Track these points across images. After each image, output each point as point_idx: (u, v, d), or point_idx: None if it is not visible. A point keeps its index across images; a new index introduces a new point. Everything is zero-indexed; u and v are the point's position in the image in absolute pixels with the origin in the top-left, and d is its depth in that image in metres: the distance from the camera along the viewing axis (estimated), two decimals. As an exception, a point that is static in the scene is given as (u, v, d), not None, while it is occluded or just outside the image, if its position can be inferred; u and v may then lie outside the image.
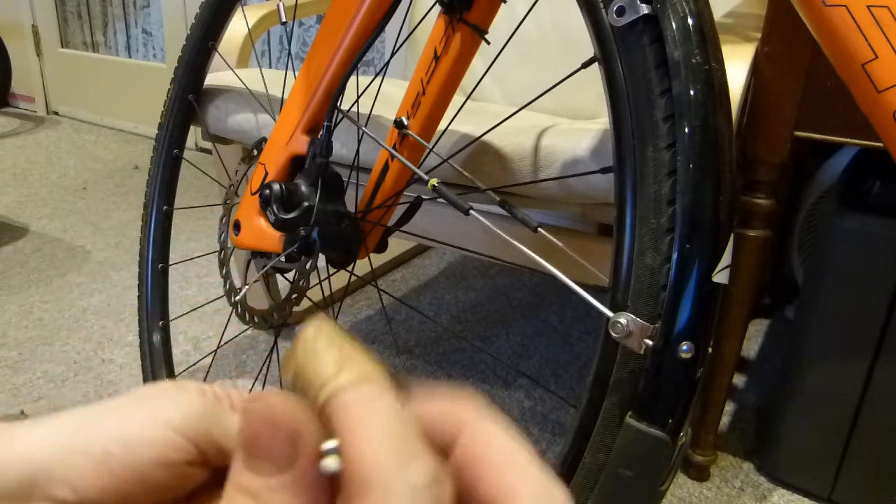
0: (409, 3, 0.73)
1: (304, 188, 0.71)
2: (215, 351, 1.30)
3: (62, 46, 2.89)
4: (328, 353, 0.18)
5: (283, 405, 0.17)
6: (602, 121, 0.83)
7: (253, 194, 0.77)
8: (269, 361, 1.21)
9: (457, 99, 0.74)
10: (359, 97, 0.77)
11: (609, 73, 0.52)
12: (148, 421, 0.18)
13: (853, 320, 0.88)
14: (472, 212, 0.62)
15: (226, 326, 1.36)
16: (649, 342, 0.50)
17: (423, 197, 0.75)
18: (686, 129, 0.49)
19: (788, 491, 1.02)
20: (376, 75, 0.78)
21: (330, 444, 0.17)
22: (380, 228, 0.76)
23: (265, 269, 0.81)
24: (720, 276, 0.49)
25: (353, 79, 0.71)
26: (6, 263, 1.63)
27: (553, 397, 1.21)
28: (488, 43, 0.67)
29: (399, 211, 0.75)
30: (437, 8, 0.66)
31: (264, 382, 1.17)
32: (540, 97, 0.64)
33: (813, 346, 0.93)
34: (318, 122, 0.73)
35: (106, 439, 0.18)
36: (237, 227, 0.80)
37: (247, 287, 0.86)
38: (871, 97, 0.47)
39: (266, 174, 0.76)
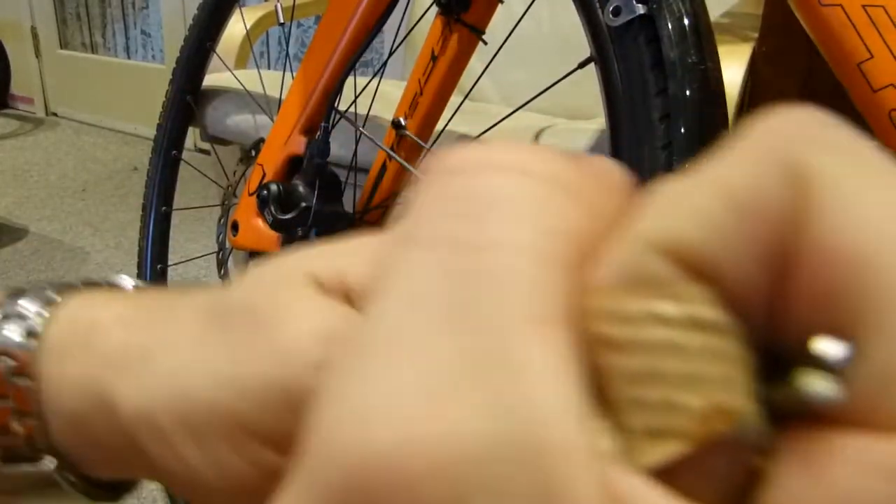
0: (407, 3, 0.73)
1: (301, 189, 0.71)
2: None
3: (61, 48, 2.90)
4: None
5: None
6: (599, 121, 0.83)
7: (251, 195, 0.77)
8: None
9: (454, 99, 0.74)
10: (357, 98, 0.77)
11: (605, 73, 0.52)
12: None
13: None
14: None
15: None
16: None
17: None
18: (682, 130, 0.49)
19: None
20: (374, 76, 0.78)
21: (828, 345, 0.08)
22: (378, 229, 0.76)
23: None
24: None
25: (350, 79, 0.72)
26: (5, 265, 1.63)
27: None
28: (485, 43, 0.67)
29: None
30: (435, 8, 0.67)
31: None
32: (537, 97, 0.64)
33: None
34: (315, 123, 0.73)
35: None
36: (235, 227, 0.80)
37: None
38: (867, 96, 0.47)
39: (264, 175, 0.76)
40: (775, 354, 0.09)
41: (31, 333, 0.18)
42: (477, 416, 0.07)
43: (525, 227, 0.09)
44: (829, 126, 0.09)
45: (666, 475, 0.08)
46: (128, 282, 0.21)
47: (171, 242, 1.06)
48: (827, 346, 0.08)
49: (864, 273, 0.08)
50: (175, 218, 1.06)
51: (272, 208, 0.71)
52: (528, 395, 0.08)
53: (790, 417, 0.08)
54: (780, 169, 0.08)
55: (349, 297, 0.16)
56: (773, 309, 0.09)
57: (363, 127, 0.74)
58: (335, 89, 0.70)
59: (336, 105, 0.71)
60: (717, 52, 0.51)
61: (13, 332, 0.18)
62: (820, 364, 0.08)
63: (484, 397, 0.08)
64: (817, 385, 0.08)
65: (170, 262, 1.06)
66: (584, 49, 0.55)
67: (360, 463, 0.08)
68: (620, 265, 0.09)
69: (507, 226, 0.09)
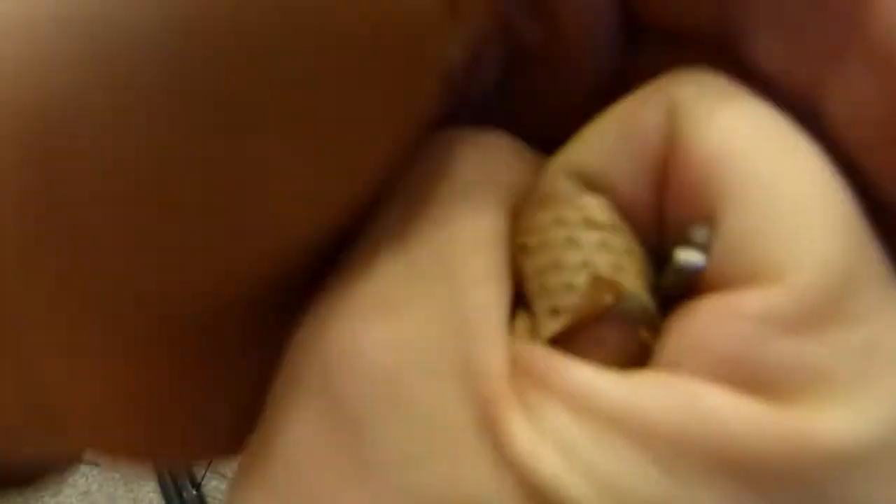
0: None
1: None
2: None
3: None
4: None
5: None
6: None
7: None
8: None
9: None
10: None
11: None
12: None
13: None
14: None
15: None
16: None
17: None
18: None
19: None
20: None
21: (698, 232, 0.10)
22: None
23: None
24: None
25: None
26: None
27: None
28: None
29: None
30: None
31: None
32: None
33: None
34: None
35: None
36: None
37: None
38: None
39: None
40: (664, 251, 0.10)
41: None
42: (426, 315, 0.10)
43: (477, 181, 0.11)
44: (701, 74, 0.11)
45: (564, 345, 0.10)
46: None
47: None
48: (693, 229, 0.10)
49: (713, 170, 0.10)
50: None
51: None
52: (465, 296, 0.10)
53: (678, 299, 0.10)
54: (657, 102, 0.11)
55: None
56: (658, 211, 0.11)
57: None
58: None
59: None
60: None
61: None
62: (690, 244, 0.10)
63: (430, 300, 0.10)
64: (685, 256, 0.10)
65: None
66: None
67: (329, 356, 0.10)
68: (537, 190, 0.11)
69: (465, 187, 0.11)
